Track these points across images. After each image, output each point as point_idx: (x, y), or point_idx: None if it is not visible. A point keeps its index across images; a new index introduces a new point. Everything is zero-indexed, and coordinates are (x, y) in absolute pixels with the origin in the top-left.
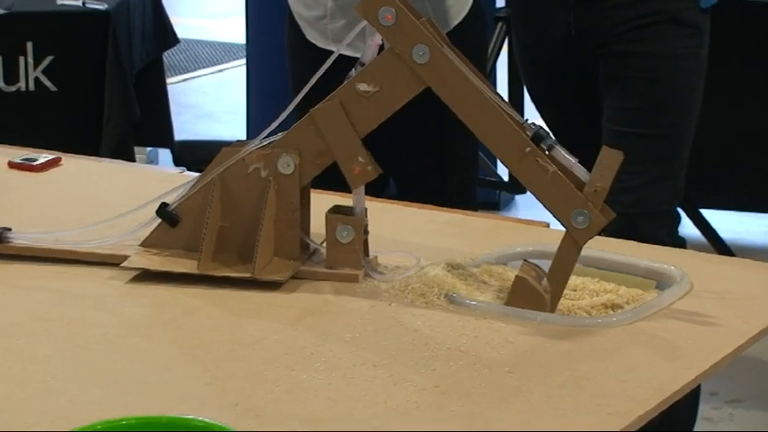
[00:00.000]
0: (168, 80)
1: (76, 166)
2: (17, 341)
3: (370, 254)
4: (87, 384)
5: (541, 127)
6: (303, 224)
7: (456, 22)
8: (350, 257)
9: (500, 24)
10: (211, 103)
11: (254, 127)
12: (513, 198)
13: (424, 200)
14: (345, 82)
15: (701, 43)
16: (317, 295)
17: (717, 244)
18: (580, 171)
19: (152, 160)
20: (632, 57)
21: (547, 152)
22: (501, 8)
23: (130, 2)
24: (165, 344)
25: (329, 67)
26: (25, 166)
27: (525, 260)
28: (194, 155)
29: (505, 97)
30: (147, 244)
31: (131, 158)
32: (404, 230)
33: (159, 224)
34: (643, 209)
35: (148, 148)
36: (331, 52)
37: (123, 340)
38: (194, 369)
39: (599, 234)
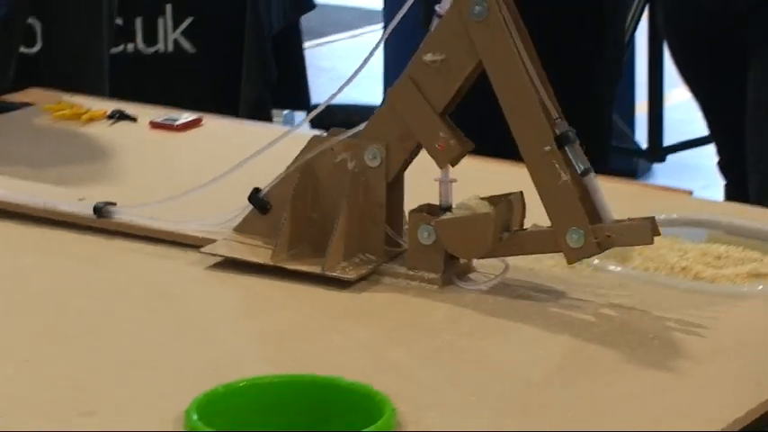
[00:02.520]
0: (305, 44)
1: (217, 127)
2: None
3: None
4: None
5: (570, 129)
6: (395, 219)
7: None
8: (431, 259)
9: None
10: (347, 67)
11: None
12: (650, 167)
13: None
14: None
15: None
16: (393, 295)
17: None
18: (604, 209)
19: (288, 123)
20: None
21: (581, 176)
22: None
23: None
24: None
25: None
26: (166, 126)
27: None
28: (331, 118)
29: (645, 68)
30: (241, 230)
31: (269, 121)
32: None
33: (251, 210)
34: None
35: (285, 111)
36: None
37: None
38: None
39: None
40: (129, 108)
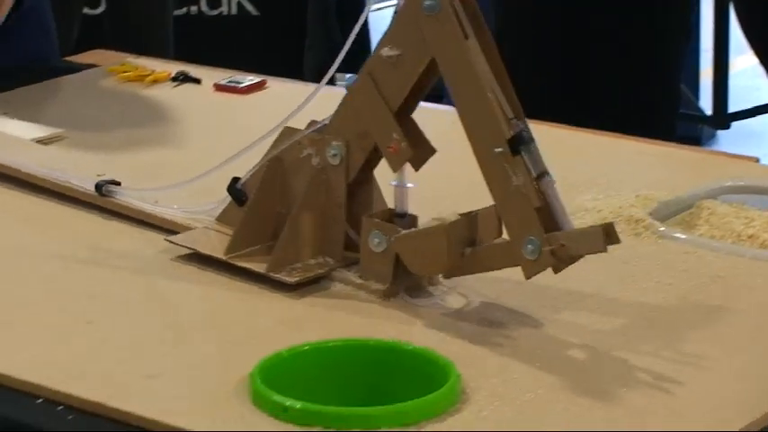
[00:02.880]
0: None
1: (282, 90)
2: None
3: None
4: None
5: (525, 130)
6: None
7: None
8: (380, 269)
9: None
10: None
11: None
12: (714, 133)
13: (624, 132)
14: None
15: None
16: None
17: None
18: (562, 216)
19: (350, 83)
20: None
21: (536, 181)
22: None
23: None
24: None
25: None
26: (230, 89)
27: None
28: None
29: (710, 34)
30: (221, 219)
31: (332, 85)
32: (607, 161)
33: (231, 201)
34: None
35: (347, 75)
36: None
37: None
38: None
39: None
40: (194, 70)
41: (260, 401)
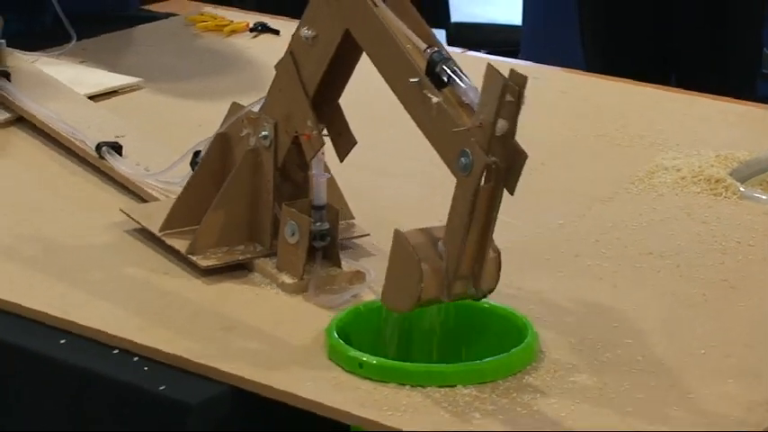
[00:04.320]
0: None
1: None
2: None
3: None
4: None
5: (439, 51)
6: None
7: None
8: (293, 261)
9: None
10: None
11: (529, 11)
12: None
13: (704, 91)
14: None
15: None
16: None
17: None
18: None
19: None
20: None
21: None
22: None
23: None
24: None
25: None
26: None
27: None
28: (469, 36)
29: None
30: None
31: None
32: (687, 120)
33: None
34: None
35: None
36: None
37: None
38: None
39: None
40: (272, 21)
41: (336, 356)
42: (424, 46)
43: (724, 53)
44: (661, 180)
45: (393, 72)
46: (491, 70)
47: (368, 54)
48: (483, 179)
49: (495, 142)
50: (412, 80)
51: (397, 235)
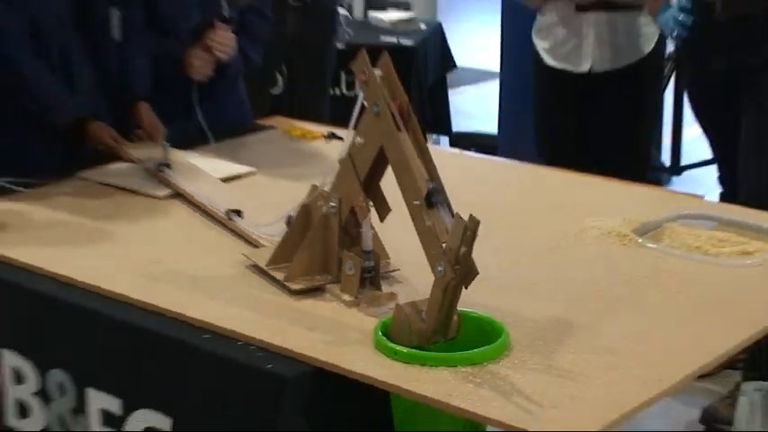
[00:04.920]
0: (449, 91)
1: None
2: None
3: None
4: None
5: (435, 187)
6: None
7: (647, 51)
8: (350, 286)
9: (670, 64)
10: (473, 108)
11: (503, 125)
12: (671, 178)
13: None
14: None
15: None
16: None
17: None
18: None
19: (436, 143)
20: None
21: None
22: (670, 53)
23: (426, 39)
24: None
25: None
26: None
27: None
28: (463, 141)
29: (670, 116)
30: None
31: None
32: (604, 196)
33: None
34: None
35: (434, 135)
36: (560, 70)
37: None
38: None
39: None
40: (339, 131)
41: (380, 347)
42: (426, 177)
43: (627, 152)
44: (588, 235)
45: (405, 190)
46: (458, 217)
47: (393, 169)
48: (450, 280)
49: (460, 259)
50: (416, 202)
51: (398, 307)
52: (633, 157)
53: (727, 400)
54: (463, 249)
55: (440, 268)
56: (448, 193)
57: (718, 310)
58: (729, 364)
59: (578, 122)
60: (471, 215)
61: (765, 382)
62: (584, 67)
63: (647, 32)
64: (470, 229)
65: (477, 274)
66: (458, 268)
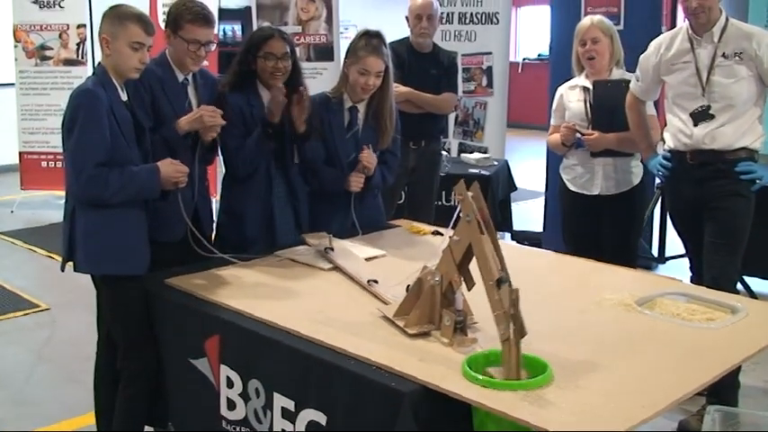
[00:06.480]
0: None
1: None
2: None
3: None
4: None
5: (503, 275)
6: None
7: (636, 182)
8: (447, 332)
9: (657, 191)
10: (527, 215)
11: (546, 227)
12: (658, 265)
13: (617, 264)
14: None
15: (751, 204)
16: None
17: (751, 293)
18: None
19: (502, 238)
20: (721, 210)
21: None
22: (658, 183)
23: (498, 170)
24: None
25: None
26: None
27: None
28: (521, 236)
29: (657, 228)
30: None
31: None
32: (613, 278)
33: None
34: (724, 279)
35: (499, 233)
36: (579, 193)
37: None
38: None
39: (708, 286)
40: (441, 230)
41: (467, 375)
42: (498, 267)
43: (623, 249)
44: (604, 304)
45: (484, 274)
46: (506, 288)
47: (476, 259)
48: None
49: (512, 318)
50: (490, 282)
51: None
52: (627, 251)
53: (697, 417)
54: (512, 310)
55: (502, 328)
56: (510, 273)
57: (693, 358)
58: (698, 392)
59: (591, 228)
60: (513, 286)
61: (723, 405)
62: (595, 192)
63: (636, 171)
64: (515, 294)
65: (526, 334)
66: (512, 329)
